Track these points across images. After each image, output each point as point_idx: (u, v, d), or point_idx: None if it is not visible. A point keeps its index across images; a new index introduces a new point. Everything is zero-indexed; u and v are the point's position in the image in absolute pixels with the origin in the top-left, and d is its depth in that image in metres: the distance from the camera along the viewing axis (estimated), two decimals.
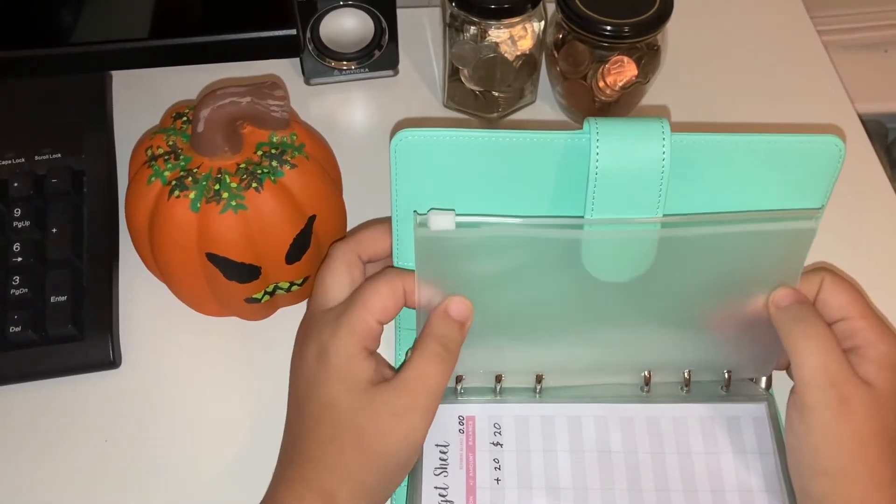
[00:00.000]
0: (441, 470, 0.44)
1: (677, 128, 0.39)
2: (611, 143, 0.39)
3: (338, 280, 0.44)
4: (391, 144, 0.40)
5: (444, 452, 0.45)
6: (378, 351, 0.44)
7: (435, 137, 0.40)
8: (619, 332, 0.45)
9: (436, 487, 0.44)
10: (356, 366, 0.41)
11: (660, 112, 0.62)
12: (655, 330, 0.45)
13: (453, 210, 0.40)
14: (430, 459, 0.44)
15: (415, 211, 0.42)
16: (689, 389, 0.47)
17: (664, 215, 0.40)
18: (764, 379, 0.48)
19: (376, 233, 0.45)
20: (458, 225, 0.39)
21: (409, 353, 0.43)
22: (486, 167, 0.40)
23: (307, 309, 0.46)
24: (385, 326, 0.44)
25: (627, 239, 0.40)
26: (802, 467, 0.42)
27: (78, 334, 0.50)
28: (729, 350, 0.46)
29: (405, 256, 0.44)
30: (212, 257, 0.46)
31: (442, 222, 0.39)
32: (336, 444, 0.40)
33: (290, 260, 0.47)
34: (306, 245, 0.48)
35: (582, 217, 0.40)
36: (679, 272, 0.42)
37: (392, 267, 0.45)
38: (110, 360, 0.50)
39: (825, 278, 0.44)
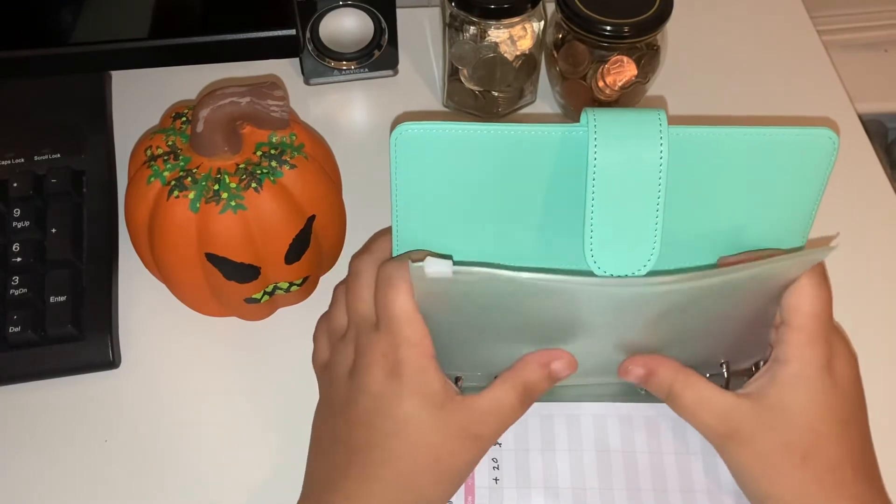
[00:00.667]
0: None
1: (673, 122, 0.39)
2: (608, 134, 0.39)
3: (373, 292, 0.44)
4: (391, 137, 0.40)
5: None
6: None
7: (435, 130, 0.40)
8: (620, 340, 0.45)
9: None
10: (429, 379, 0.40)
11: (657, 102, 0.62)
12: (657, 342, 0.45)
13: (451, 257, 0.40)
14: None
15: (410, 259, 0.41)
16: None
17: (662, 267, 0.40)
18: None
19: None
20: (455, 273, 0.38)
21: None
22: (486, 160, 0.40)
23: (347, 325, 0.44)
24: None
25: (626, 294, 0.40)
26: (746, 495, 0.43)
27: (77, 334, 0.50)
28: (724, 345, 0.46)
29: (405, 252, 0.44)
30: (211, 257, 0.46)
31: (438, 270, 0.38)
32: (408, 460, 0.40)
33: (290, 260, 0.47)
34: (306, 245, 0.48)
35: (588, 272, 0.40)
36: (683, 309, 0.41)
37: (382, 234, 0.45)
38: (110, 361, 0.50)
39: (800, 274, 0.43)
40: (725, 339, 0.45)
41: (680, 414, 0.43)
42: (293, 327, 0.52)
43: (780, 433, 0.40)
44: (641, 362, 0.44)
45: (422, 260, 0.38)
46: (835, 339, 0.42)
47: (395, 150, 0.40)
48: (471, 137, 0.40)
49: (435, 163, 0.40)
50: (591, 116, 0.39)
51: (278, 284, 0.49)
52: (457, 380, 0.46)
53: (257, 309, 0.50)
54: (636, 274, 0.40)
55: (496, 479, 0.44)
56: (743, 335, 0.45)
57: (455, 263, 0.38)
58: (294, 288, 0.50)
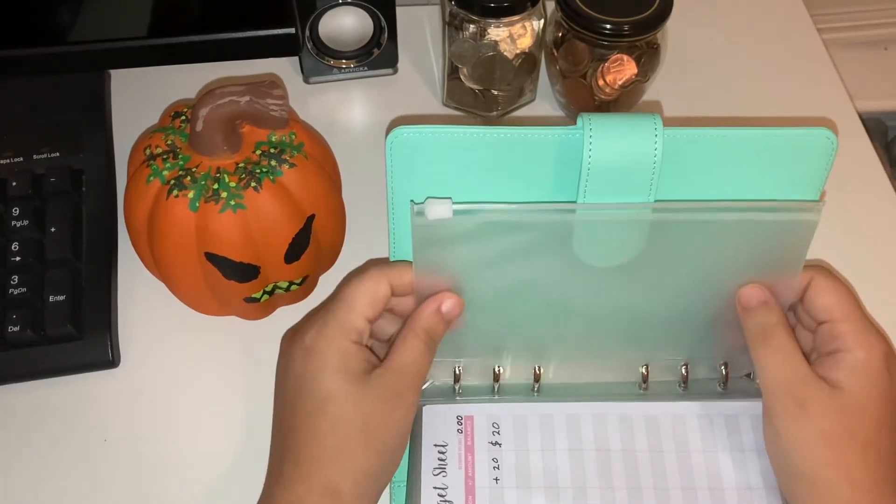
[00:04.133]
0: (440, 470, 0.44)
1: (672, 123, 0.39)
2: (603, 138, 0.39)
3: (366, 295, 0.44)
4: (386, 141, 0.40)
5: (443, 452, 0.45)
6: None
7: (430, 134, 0.40)
8: (617, 316, 0.45)
9: (435, 487, 0.44)
10: (349, 358, 0.41)
11: (652, 108, 0.62)
12: (653, 314, 0.45)
13: (450, 198, 0.40)
14: (428, 460, 0.44)
15: (411, 200, 0.42)
16: (686, 387, 0.47)
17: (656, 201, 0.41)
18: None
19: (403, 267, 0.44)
20: (456, 213, 0.39)
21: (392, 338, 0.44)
22: (482, 162, 0.41)
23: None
24: None
25: (619, 221, 0.40)
26: (780, 473, 0.42)
27: (77, 334, 0.50)
28: (725, 338, 0.46)
29: (402, 251, 0.45)
30: (211, 257, 0.45)
31: (439, 211, 0.39)
32: (336, 435, 0.40)
33: (289, 259, 0.47)
34: (305, 244, 0.48)
35: (574, 202, 0.41)
36: (675, 259, 0.42)
37: (375, 261, 0.46)
38: (109, 360, 0.50)
39: (814, 277, 0.44)
40: (726, 323, 0.45)
41: (758, 358, 0.43)
42: None
43: (850, 417, 0.40)
44: (762, 291, 0.43)
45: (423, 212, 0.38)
46: (883, 332, 0.43)
47: (391, 153, 0.41)
48: (466, 141, 0.40)
49: (430, 166, 0.41)
50: (586, 120, 0.39)
51: (278, 284, 0.49)
52: (456, 379, 0.47)
53: (257, 308, 0.50)
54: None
55: (496, 479, 0.44)
56: (740, 328, 0.45)
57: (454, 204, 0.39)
58: (294, 287, 0.50)
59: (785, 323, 0.43)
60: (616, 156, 0.39)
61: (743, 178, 0.41)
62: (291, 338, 0.44)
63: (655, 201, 0.40)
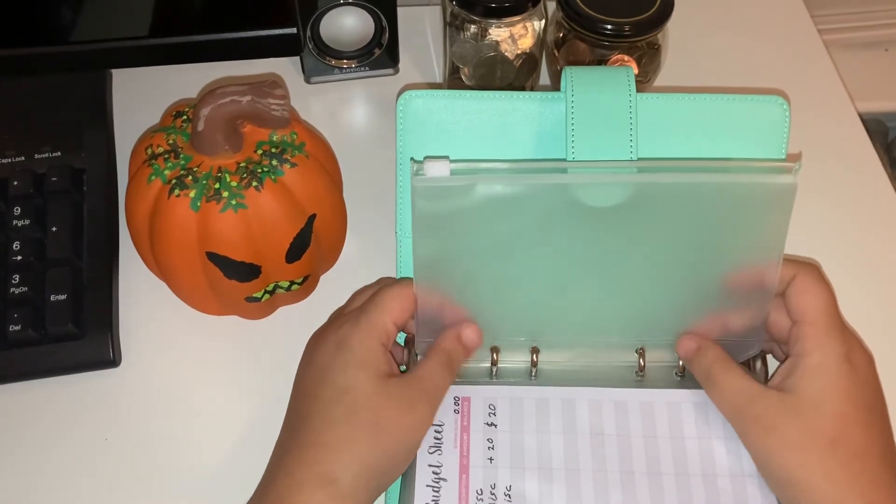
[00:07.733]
0: (435, 448, 0.45)
1: None
2: (582, 78, 0.44)
3: (365, 296, 0.48)
4: (398, 102, 0.46)
5: (439, 432, 0.45)
6: None
7: (437, 95, 0.45)
8: (611, 291, 0.46)
9: (430, 465, 0.44)
10: (376, 356, 0.43)
11: None
12: (647, 291, 0.46)
13: (447, 157, 0.43)
14: (425, 438, 0.45)
15: (411, 158, 0.44)
16: (683, 376, 0.48)
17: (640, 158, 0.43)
18: (759, 366, 0.48)
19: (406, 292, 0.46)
20: (453, 172, 0.41)
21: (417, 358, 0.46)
22: (481, 119, 0.46)
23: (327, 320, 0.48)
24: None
25: (607, 184, 0.43)
26: (769, 483, 0.43)
27: (78, 333, 0.50)
28: (718, 319, 0.47)
29: (406, 219, 0.47)
30: (212, 256, 0.46)
31: (437, 168, 0.41)
32: (348, 424, 0.41)
33: (291, 259, 0.47)
34: (306, 244, 0.48)
35: (564, 160, 0.44)
36: (664, 231, 0.44)
37: (407, 279, 0.47)
38: (110, 359, 0.50)
39: (798, 274, 0.44)
40: (716, 302, 0.46)
41: (710, 395, 0.45)
42: (293, 326, 0.52)
43: (806, 419, 0.41)
44: (695, 338, 0.47)
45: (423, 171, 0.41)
46: (849, 335, 0.44)
47: (402, 113, 0.46)
48: (468, 98, 0.46)
49: (436, 123, 0.46)
50: (567, 69, 0.45)
51: (279, 283, 0.49)
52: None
53: (258, 308, 0.50)
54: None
55: (490, 459, 0.45)
56: (731, 307, 0.46)
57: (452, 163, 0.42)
58: (295, 287, 0.50)
59: (721, 357, 0.45)
60: (594, 89, 0.44)
61: (712, 140, 0.46)
62: (322, 332, 0.46)
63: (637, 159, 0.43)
